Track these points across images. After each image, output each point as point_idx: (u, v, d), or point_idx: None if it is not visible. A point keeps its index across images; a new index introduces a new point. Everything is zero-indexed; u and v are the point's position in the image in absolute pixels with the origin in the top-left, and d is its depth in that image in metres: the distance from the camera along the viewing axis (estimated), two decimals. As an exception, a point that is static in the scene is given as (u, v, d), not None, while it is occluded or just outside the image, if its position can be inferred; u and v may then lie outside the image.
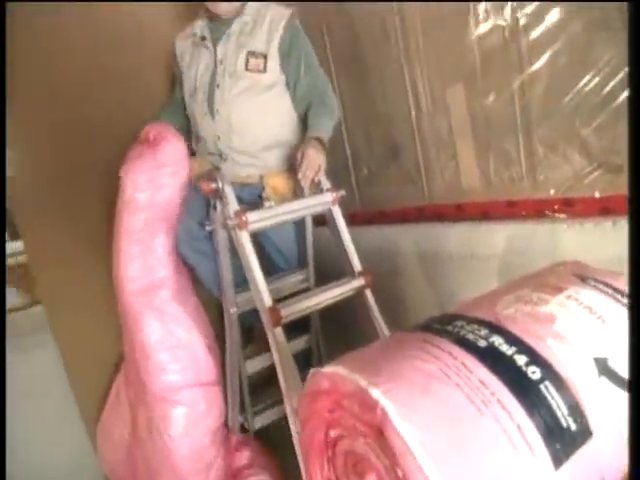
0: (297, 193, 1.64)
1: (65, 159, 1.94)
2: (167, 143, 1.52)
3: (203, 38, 1.69)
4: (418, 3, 1.61)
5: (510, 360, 0.69)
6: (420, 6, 1.61)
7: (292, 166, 1.64)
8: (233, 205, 1.35)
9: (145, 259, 1.49)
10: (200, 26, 1.72)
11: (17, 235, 1.98)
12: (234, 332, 1.65)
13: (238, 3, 1.65)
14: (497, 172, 1.54)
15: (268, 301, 1.32)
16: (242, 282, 1.61)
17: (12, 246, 2.01)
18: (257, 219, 1.37)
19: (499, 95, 1.48)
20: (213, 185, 1.39)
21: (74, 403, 1.95)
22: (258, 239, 1.65)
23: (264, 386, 1.86)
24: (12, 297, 1.92)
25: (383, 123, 1.88)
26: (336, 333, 2.03)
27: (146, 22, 2.15)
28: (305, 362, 1.83)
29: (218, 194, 1.40)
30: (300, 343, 1.86)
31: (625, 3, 1.04)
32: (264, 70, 1.62)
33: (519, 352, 0.69)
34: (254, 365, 1.73)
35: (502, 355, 0.70)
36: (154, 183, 1.48)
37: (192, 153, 1.72)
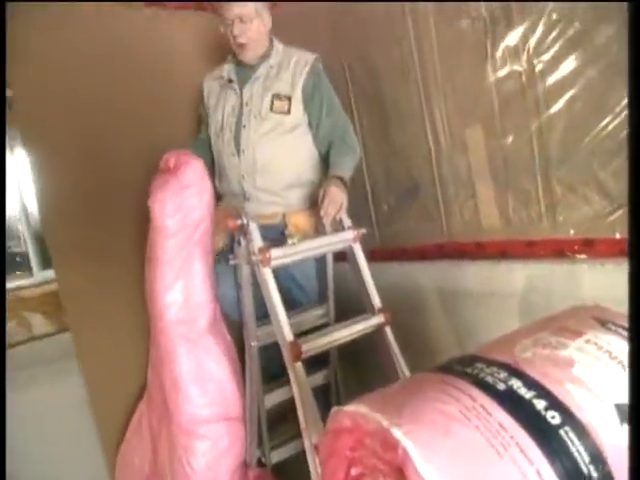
0: (319, 230, 1.69)
1: (96, 189, 2.02)
2: (187, 165, 1.57)
3: (230, 81, 1.79)
4: (437, 47, 1.69)
5: (529, 404, 0.70)
6: (439, 48, 1.68)
7: (314, 204, 1.70)
8: (257, 242, 1.40)
9: (182, 286, 1.52)
10: (227, 69, 1.81)
11: (49, 264, 2.06)
12: (254, 365, 1.67)
13: (262, 51, 1.74)
14: (516, 211, 1.57)
15: (289, 336, 1.35)
16: (263, 315, 1.65)
17: (43, 274, 2.09)
18: (280, 255, 1.41)
19: (517, 136, 1.52)
20: (238, 221, 1.44)
21: (95, 432, 1.98)
22: (278, 273, 1.69)
23: (281, 420, 1.87)
24: (41, 324, 1.97)
25: (403, 161, 1.93)
26: (354, 368, 2.03)
27: (176, 58, 2.29)
28: (323, 397, 1.83)
29: (243, 230, 1.45)
30: (318, 378, 1.86)
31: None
32: (288, 112, 1.70)
33: (538, 396, 0.70)
34: (273, 399, 1.74)
35: (521, 399, 0.71)
36: (182, 206, 1.52)
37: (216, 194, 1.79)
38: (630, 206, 0.82)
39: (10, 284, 2.05)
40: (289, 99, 1.70)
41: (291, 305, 1.79)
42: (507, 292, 1.56)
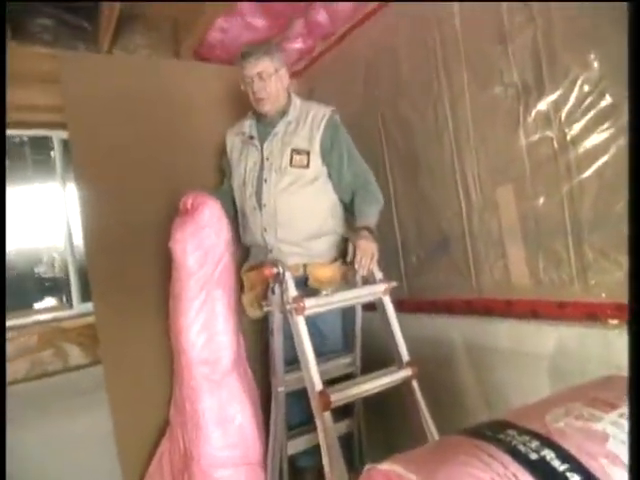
0: (348, 281, 1.74)
1: (135, 227, 2.13)
2: (205, 206, 1.66)
3: (251, 137, 1.88)
4: (471, 110, 1.77)
5: (562, 477, 0.71)
6: (473, 111, 1.76)
7: (336, 254, 1.77)
8: (292, 291, 1.45)
9: (204, 324, 1.58)
10: (248, 125, 1.91)
11: (88, 297, 2.16)
12: (280, 411, 1.68)
13: (280, 105, 1.83)
14: (546, 272, 1.58)
15: (319, 385, 1.37)
16: (289, 362, 1.68)
17: (83, 307, 2.18)
18: (313, 305, 1.46)
19: (548, 198, 1.55)
20: (275, 270, 1.50)
21: (117, 466, 2.01)
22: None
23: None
24: (77, 355, 2.04)
25: (434, 215, 1.98)
26: (378, 419, 2.02)
27: (210, 107, 2.43)
28: (346, 446, 1.82)
29: (278, 279, 1.51)
30: (342, 427, 1.86)
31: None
32: (307, 166, 1.78)
33: (572, 470, 0.71)
34: (296, 445, 1.74)
35: (554, 470, 0.72)
36: (201, 246, 1.60)
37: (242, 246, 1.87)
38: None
39: (50, 314, 2.14)
40: (308, 153, 1.78)
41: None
42: (537, 353, 1.55)
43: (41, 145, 2.34)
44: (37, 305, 2.40)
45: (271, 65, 1.78)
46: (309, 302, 1.44)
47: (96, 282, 2.05)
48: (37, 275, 2.51)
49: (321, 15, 2.18)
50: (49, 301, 2.45)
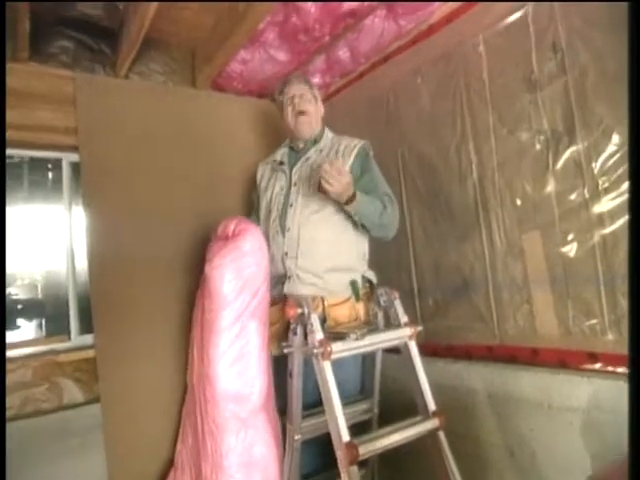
0: (371, 321, 1.68)
1: (144, 257, 2.06)
2: (247, 232, 1.59)
3: (281, 163, 1.89)
4: (497, 154, 1.76)
5: None
6: (499, 155, 1.75)
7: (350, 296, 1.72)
8: (318, 334, 1.38)
9: (236, 356, 1.48)
10: (281, 154, 1.94)
11: (87, 329, 2.04)
12: (294, 460, 1.58)
13: (316, 130, 1.87)
14: (576, 321, 1.54)
15: (345, 436, 1.29)
16: (306, 406, 1.59)
17: (81, 339, 2.06)
18: (340, 349, 1.38)
19: (579, 246, 1.53)
20: (299, 310, 1.44)
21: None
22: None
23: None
24: (73, 392, 1.92)
25: (453, 257, 1.94)
26: (393, 471, 1.92)
27: (233, 138, 2.43)
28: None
29: (302, 320, 1.44)
30: (355, 478, 1.75)
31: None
32: None
33: None
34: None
35: None
36: (240, 274, 1.52)
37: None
38: None
39: (46, 346, 2.02)
40: None
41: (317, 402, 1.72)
42: (567, 404, 1.49)
43: (50, 167, 2.27)
44: (31, 336, 2.27)
45: (311, 92, 1.88)
46: (336, 346, 1.37)
47: (98, 312, 1.95)
48: (33, 303, 2.38)
49: (343, 52, 2.19)
50: (44, 332, 2.31)
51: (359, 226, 1.74)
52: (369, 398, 1.76)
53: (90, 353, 1.94)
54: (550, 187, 1.60)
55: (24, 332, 2.31)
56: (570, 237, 1.55)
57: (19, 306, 2.45)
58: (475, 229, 1.85)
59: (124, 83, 2.18)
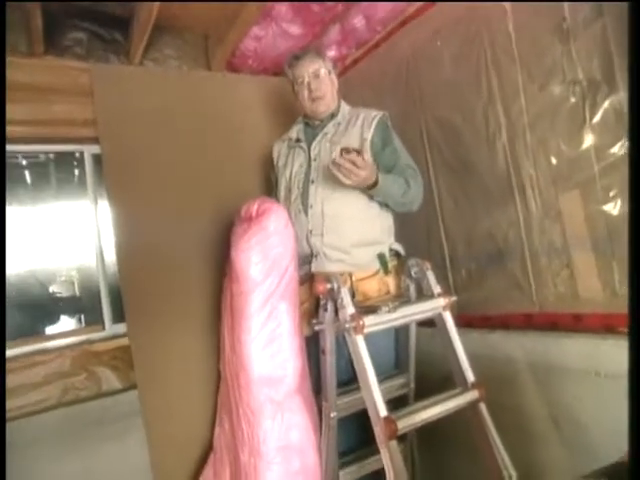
0: (403, 294, 1.63)
1: (171, 244, 2.06)
2: (272, 212, 1.55)
3: (298, 140, 1.84)
4: (527, 112, 1.66)
5: None
6: (529, 112, 1.65)
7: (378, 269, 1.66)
8: (350, 308, 1.34)
9: (268, 340, 1.46)
10: (296, 130, 1.88)
11: (120, 318, 2.07)
12: (331, 438, 1.56)
13: (333, 107, 1.80)
14: (623, 283, 1.45)
15: (383, 410, 1.25)
16: (340, 383, 1.56)
17: (116, 328, 2.08)
18: (373, 323, 1.34)
19: (623, 203, 1.43)
20: (328, 285, 1.40)
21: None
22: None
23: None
24: (110, 379, 1.95)
25: (485, 225, 1.87)
26: (430, 443, 1.89)
27: (251, 118, 2.38)
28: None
29: (332, 295, 1.40)
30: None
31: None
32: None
33: None
34: (349, 475, 1.61)
35: None
36: (267, 255, 1.48)
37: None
38: None
39: (82, 337, 2.05)
40: (358, 152, 1.69)
41: (352, 378, 1.68)
42: (616, 371, 1.41)
43: (72, 160, 2.28)
44: (67, 327, 2.31)
45: (324, 66, 1.78)
46: (368, 320, 1.33)
47: (129, 302, 1.96)
48: (67, 295, 2.42)
49: (358, 20, 2.10)
50: (79, 322, 2.36)
51: (382, 204, 1.71)
52: (404, 373, 1.72)
53: (125, 341, 1.96)
54: (588, 142, 1.50)
55: (62, 325, 2.36)
56: (612, 194, 1.45)
57: (57, 302, 2.51)
58: (507, 194, 1.76)
59: (139, 70, 2.16)
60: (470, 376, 1.43)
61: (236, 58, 2.27)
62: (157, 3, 1.80)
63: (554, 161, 1.61)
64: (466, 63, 1.86)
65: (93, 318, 2.13)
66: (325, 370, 1.52)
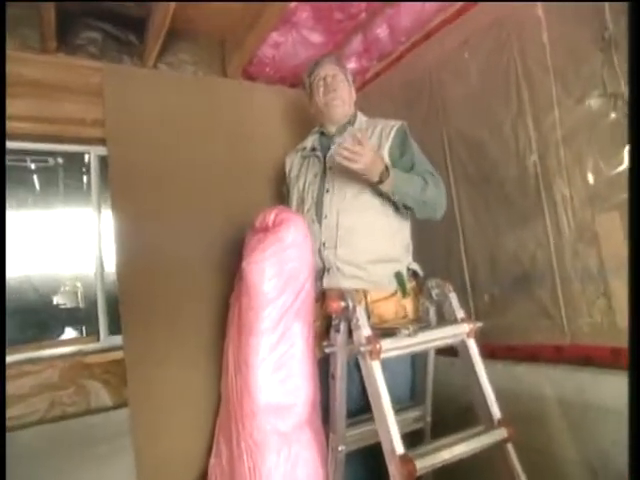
0: (422, 318, 1.49)
1: (174, 257, 1.95)
2: (290, 222, 1.43)
3: (314, 149, 1.75)
4: (561, 126, 1.55)
5: None
6: (563, 127, 1.54)
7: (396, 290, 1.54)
8: (365, 329, 1.20)
9: (278, 363, 1.32)
10: (311, 140, 1.80)
11: (116, 329, 1.94)
12: (338, 474, 1.40)
13: (349, 114, 1.73)
14: (669, 315, 1.30)
15: (399, 447, 1.11)
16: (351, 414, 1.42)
17: (110, 340, 1.96)
18: (390, 348, 1.20)
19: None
20: (342, 303, 1.27)
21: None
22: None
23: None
24: (101, 396, 1.81)
25: (511, 247, 1.73)
26: None
27: (265, 128, 2.29)
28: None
29: (347, 314, 1.27)
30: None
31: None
32: None
33: None
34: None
35: None
36: (282, 269, 1.37)
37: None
38: None
39: (74, 347, 1.93)
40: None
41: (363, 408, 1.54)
42: (661, 414, 1.25)
43: (78, 161, 2.20)
44: (60, 336, 2.19)
45: (342, 73, 1.75)
46: (386, 344, 1.19)
47: (127, 312, 1.84)
48: (62, 303, 2.31)
49: (382, 30, 2.03)
50: (73, 332, 2.24)
51: (401, 207, 1.57)
52: (421, 405, 1.57)
53: (119, 355, 1.83)
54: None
55: (55, 334, 2.24)
56: (657, 217, 1.32)
57: (52, 310, 2.40)
58: (537, 213, 1.63)
59: (152, 73, 2.10)
60: (496, 412, 1.28)
61: (253, 65, 2.20)
62: (173, 4, 1.74)
63: (591, 179, 1.49)
64: (494, 74, 1.76)
65: (88, 328, 2.01)
66: (334, 397, 1.37)
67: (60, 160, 3.15)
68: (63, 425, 1.71)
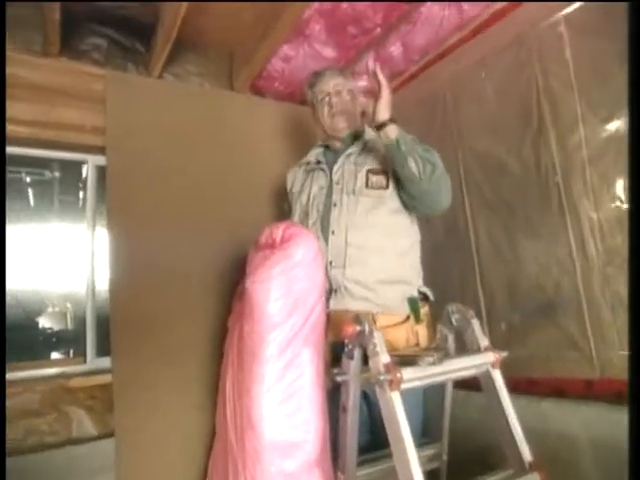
0: (439, 346, 1.37)
1: (169, 277, 1.85)
2: (300, 238, 1.32)
3: (319, 162, 1.65)
4: (587, 146, 1.47)
5: None
6: (589, 147, 1.46)
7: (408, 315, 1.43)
8: (384, 356, 1.08)
9: (286, 394, 1.17)
10: (315, 154, 1.69)
11: (105, 351, 1.80)
12: (347, 521, 1.25)
13: (353, 127, 1.62)
14: None
15: (422, 492, 0.97)
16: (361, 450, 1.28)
17: (97, 362, 1.82)
18: (412, 378, 1.08)
19: None
20: (358, 327, 1.15)
21: None
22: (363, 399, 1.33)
23: None
24: (84, 424, 1.65)
25: (532, 271, 1.63)
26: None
27: (266, 143, 2.23)
28: None
29: (362, 339, 1.15)
30: None
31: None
32: (386, 187, 1.49)
33: None
34: None
35: None
36: (290, 289, 1.24)
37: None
38: None
39: (58, 369, 1.78)
40: (386, 173, 1.50)
41: (374, 443, 1.39)
42: None
43: (74, 174, 2.10)
44: (44, 357, 2.04)
45: (346, 84, 1.63)
46: (407, 373, 1.07)
47: (118, 332, 1.71)
48: (48, 322, 2.16)
49: (396, 48, 1.98)
50: (57, 353, 2.08)
51: (403, 168, 1.38)
52: (437, 442, 1.43)
53: (106, 379, 1.69)
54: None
55: (38, 354, 2.08)
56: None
57: (36, 328, 2.25)
58: (561, 237, 1.54)
59: (157, 83, 2.03)
60: (527, 453, 1.15)
61: (262, 79, 2.14)
62: (182, 12, 1.68)
63: (619, 201, 1.40)
64: (513, 93, 1.70)
65: (74, 349, 1.86)
66: (345, 432, 1.23)
67: (57, 173, 3.05)
68: (40, 457, 1.54)
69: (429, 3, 1.77)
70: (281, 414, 1.15)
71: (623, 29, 1.38)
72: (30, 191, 3.30)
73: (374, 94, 1.40)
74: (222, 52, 2.20)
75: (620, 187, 1.40)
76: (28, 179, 3.18)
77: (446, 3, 1.75)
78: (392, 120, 1.37)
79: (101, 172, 1.92)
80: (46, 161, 2.81)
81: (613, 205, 1.41)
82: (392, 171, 1.47)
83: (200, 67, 2.16)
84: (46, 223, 3.09)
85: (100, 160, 1.89)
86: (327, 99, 1.59)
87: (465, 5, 1.74)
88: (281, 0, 1.68)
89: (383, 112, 1.36)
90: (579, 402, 1.43)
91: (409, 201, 1.48)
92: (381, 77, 1.36)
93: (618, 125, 1.41)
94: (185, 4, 1.63)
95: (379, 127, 1.38)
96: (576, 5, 1.52)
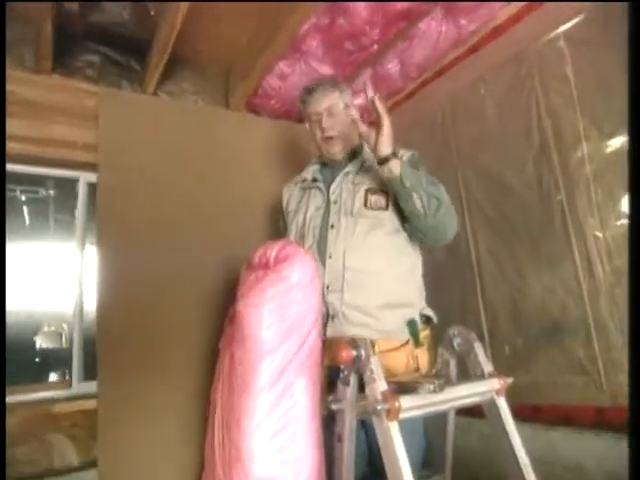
0: (440, 372, 1.29)
1: (159, 298, 1.79)
2: (295, 259, 1.24)
3: (315, 180, 1.57)
4: (590, 163, 1.43)
5: None
6: (593, 163, 1.42)
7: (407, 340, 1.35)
8: (381, 383, 1.01)
9: (278, 426, 1.09)
10: (311, 170, 1.61)
11: (91, 375, 1.73)
12: None
13: (349, 147, 1.54)
14: None
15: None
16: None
17: (83, 387, 1.74)
18: (411, 406, 1.00)
19: None
20: (354, 352, 1.08)
21: None
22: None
23: None
24: (66, 453, 1.56)
25: (536, 294, 1.57)
26: None
27: (261, 161, 2.18)
28: None
29: (359, 365, 1.08)
30: None
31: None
32: (386, 207, 1.42)
33: None
34: None
35: None
36: (285, 314, 1.17)
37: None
38: None
39: (41, 394, 1.70)
40: (386, 193, 1.43)
41: (373, 475, 1.31)
42: None
43: (68, 192, 2.06)
44: (25, 380, 1.96)
45: (340, 100, 1.51)
46: (405, 401, 0.99)
47: (105, 355, 1.64)
48: (31, 342, 2.09)
49: (393, 65, 1.96)
50: (42, 377, 2.01)
51: (407, 203, 1.33)
52: (439, 474, 1.34)
53: (91, 404, 1.61)
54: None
55: (19, 378, 2.00)
56: None
57: (19, 349, 2.18)
58: (565, 257, 1.49)
59: (150, 100, 2.00)
60: (535, 487, 1.06)
61: (257, 97, 2.11)
62: (177, 27, 1.66)
63: (626, 218, 1.35)
64: (513, 110, 1.67)
65: (60, 373, 1.79)
66: (341, 462, 1.14)
67: (51, 191, 3.02)
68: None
69: (427, 19, 1.75)
70: (272, 450, 1.07)
71: (624, 43, 1.35)
72: (25, 209, 3.26)
73: (373, 123, 1.34)
74: (218, 70, 2.18)
75: (626, 204, 1.35)
76: (23, 197, 3.15)
77: (443, 19, 1.73)
78: (394, 154, 1.30)
79: (93, 189, 1.88)
80: (40, 178, 2.78)
81: (619, 223, 1.37)
82: (393, 195, 1.42)
83: (196, 85, 2.14)
84: (41, 242, 3.04)
85: (92, 177, 1.85)
86: (319, 119, 1.50)
87: (463, 20, 1.72)
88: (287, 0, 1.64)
89: (385, 147, 1.29)
90: (589, 431, 1.36)
91: (414, 233, 1.42)
92: (380, 107, 1.27)
93: (622, 140, 1.37)
94: (181, 16, 1.61)
95: (381, 162, 1.32)
96: (576, 20, 1.50)
